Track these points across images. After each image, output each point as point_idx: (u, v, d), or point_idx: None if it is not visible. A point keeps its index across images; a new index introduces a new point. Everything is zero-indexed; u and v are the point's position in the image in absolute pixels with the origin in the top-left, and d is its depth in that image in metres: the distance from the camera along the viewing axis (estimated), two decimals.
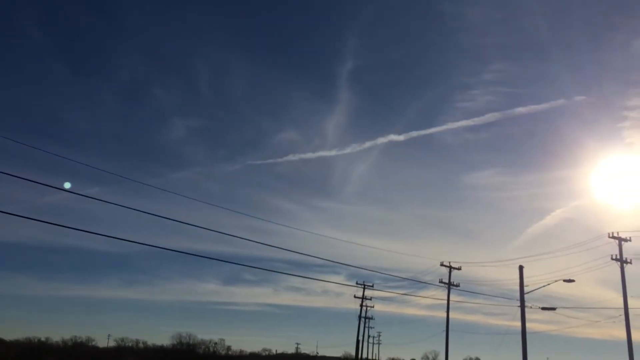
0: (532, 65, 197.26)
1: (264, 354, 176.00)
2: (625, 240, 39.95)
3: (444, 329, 48.60)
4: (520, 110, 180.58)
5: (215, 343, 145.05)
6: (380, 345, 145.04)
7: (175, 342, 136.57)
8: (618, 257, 39.53)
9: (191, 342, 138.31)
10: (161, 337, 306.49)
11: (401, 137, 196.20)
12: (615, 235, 40.11)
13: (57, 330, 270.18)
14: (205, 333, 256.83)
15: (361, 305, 69.58)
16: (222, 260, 57.78)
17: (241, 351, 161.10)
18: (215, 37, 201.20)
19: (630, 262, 39.50)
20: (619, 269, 39.24)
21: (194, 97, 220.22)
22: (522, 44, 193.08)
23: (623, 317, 38.23)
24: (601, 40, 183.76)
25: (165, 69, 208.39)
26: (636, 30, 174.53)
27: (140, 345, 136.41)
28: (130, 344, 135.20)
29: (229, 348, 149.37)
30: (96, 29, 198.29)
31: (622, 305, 38.48)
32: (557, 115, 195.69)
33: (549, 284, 37.04)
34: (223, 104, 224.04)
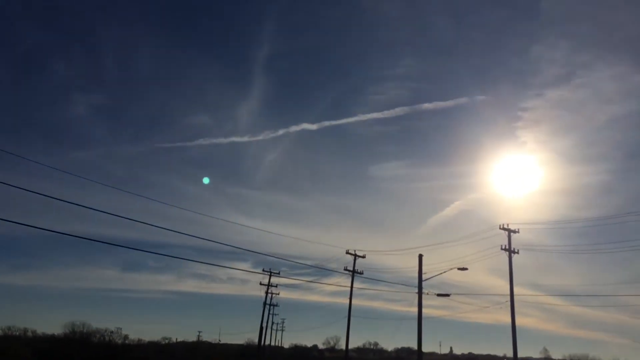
0: (439, 63, 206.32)
1: (163, 342, 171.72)
2: (514, 231, 42.95)
3: (347, 315, 49.85)
4: (427, 105, 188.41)
5: (112, 332, 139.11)
6: (284, 332, 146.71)
7: (67, 331, 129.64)
8: (507, 247, 42.48)
9: (85, 330, 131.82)
10: (53, 325, 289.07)
11: (314, 126, 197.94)
12: (506, 227, 42.98)
13: None
14: (101, 322, 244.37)
15: (267, 293, 69.76)
16: (122, 246, 55.28)
17: (139, 340, 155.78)
18: (123, 9, 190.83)
19: (518, 252, 42.59)
20: (507, 259, 42.18)
21: (97, 72, 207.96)
22: (431, 42, 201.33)
23: (509, 303, 41.15)
24: (502, 44, 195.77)
25: (66, 41, 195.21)
26: (534, 36, 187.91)
27: (29, 334, 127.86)
28: (17, 333, 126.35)
29: (126, 337, 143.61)
30: None
31: (508, 292, 41.40)
32: (460, 112, 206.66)
33: (444, 272, 39.00)
34: (129, 82, 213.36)
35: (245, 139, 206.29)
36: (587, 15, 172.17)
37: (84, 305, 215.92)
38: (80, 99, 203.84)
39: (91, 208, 22.36)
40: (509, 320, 40.68)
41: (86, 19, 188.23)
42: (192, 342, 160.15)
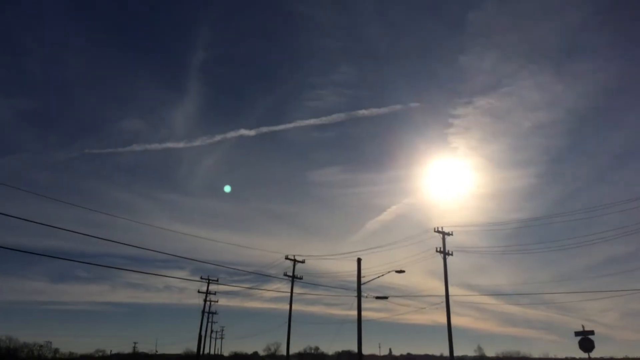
0: (374, 70, 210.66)
1: (97, 355, 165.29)
2: (448, 234, 44.31)
3: (287, 320, 49.71)
4: (363, 112, 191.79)
5: (41, 346, 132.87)
6: (223, 340, 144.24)
7: None
8: (442, 249, 43.74)
9: (11, 345, 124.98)
10: None
11: (252, 132, 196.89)
12: (440, 229, 44.26)
13: None
14: (29, 335, 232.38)
15: (205, 300, 68.55)
16: (50, 256, 52.83)
17: (70, 353, 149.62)
18: (48, 10, 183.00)
19: (452, 254, 43.93)
20: (442, 260, 43.42)
21: (22, 75, 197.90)
22: (364, 51, 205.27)
23: (444, 303, 42.32)
24: (433, 54, 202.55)
25: None
26: (462, 47, 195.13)
27: None
28: None
29: (56, 351, 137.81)
30: None
31: (444, 292, 42.58)
32: (394, 119, 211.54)
33: (382, 275, 39.65)
34: (56, 86, 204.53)
35: (181, 144, 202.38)
36: (511, 27, 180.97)
37: (10, 319, 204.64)
38: (4, 103, 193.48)
39: (19, 217, 21.24)
40: (445, 320, 41.78)
41: (9, 19, 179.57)
42: (128, 354, 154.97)
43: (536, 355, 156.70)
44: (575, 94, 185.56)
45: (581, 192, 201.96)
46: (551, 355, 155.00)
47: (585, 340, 33.64)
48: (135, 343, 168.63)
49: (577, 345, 33.94)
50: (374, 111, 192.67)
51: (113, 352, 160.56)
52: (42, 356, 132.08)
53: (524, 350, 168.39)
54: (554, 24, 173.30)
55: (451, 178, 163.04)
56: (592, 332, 33.84)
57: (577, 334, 34.26)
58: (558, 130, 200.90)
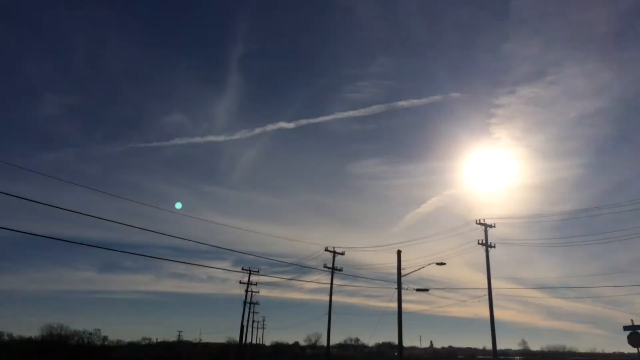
0: (414, 61, 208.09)
1: (143, 343, 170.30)
2: (490, 226, 43.59)
3: (327, 312, 50.03)
4: (403, 103, 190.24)
5: (90, 334, 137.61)
6: (265, 330, 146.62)
7: (44, 334, 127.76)
8: (484, 242, 43.09)
9: (63, 333, 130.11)
10: (29, 329, 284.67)
11: (291, 125, 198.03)
12: (482, 222, 43.59)
13: None
14: (79, 324, 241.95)
15: (246, 291, 69.67)
16: (99, 247, 54.54)
17: (118, 341, 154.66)
18: (93, 8, 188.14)
19: (494, 247, 43.23)
20: (484, 253, 42.79)
21: (69, 71, 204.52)
22: (405, 41, 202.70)
23: (487, 296, 41.73)
24: (474, 42, 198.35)
25: (37, 40, 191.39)
26: (505, 34, 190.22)
27: (5, 337, 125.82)
28: None
29: (105, 338, 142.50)
30: None
31: (486, 285, 41.98)
32: (435, 110, 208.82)
33: (423, 267, 39.41)
34: (102, 81, 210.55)
35: (222, 138, 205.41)
36: (557, 14, 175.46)
37: (61, 308, 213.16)
38: (53, 99, 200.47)
39: (67, 209, 22.11)
40: (488, 313, 41.21)
41: (57, 17, 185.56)
42: (173, 342, 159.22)
43: (582, 350, 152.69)
44: (623, 81, 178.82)
45: (629, 183, 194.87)
46: (598, 350, 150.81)
47: (635, 335, 32.63)
48: (179, 332, 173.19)
49: (625, 340, 32.96)
50: (414, 102, 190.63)
51: (159, 340, 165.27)
52: (92, 343, 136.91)
53: (570, 345, 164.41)
54: (601, 9, 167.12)
55: (493, 169, 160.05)
56: None
57: (625, 328, 33.26)
58: (605, 119, 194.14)
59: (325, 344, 52.62)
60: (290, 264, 59.13)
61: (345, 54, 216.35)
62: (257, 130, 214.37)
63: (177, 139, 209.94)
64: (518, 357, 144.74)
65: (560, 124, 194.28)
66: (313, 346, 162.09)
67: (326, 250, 50.65)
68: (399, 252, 40.76)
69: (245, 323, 68.15)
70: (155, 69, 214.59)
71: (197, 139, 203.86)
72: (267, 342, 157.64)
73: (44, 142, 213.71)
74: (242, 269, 67.69)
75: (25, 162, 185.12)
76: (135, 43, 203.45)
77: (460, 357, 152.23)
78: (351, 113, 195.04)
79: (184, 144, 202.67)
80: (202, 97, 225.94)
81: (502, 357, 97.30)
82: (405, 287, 40.08)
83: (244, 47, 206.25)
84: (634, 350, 33.14)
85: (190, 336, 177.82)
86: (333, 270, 50.04)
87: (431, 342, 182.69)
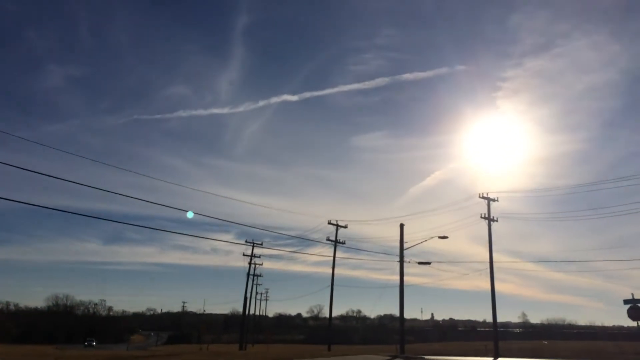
0: (419, 33, 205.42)
1: (148, 313, 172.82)
2: (494, 200, 43.47)
3: (330, 284, 50.47)
4: (408, 76, 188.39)
5: (96, 304, 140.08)
6: (268, 302, 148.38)
7: (51, 304, 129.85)
8: (487, 216, 43.08)
9: (68, 303, 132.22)
10: (36, 299, 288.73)
11: (295, 97, 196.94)
12: (485, 195, 43.49)
13: None
14: (84, 294, 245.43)
15: (250, 263, 70.17)
16: (103, 219, 54.86)
17: (123, 312, 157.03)
18: None
19: (497, 220, 43.22)
20: (486, 227, 42.81)
21: (72, 42, 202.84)
22: (410, 12, 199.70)
23: (488, 270, 41.94)
24: (481, 13, 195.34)
25: (40, 10, 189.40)
26: (512, 5, 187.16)
27: (12, 307, 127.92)
28: (0, 307, 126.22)
29: (110, 309, 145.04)
30: None
31: (488, 259, 42.13)
32: (440, 82, 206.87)
33: (425, 241, 39.59)
34: (106, 52, 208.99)
35: (226, 110, 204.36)
36: None
37: (67, 278, 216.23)
38: (56, 70, 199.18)
39: (72, 181, 22.13)
40: (489, 286, 41.43)
41: None
42: (177, 313, 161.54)
43: (582, 323, 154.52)
44: (631, 54, 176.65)
45: (634, 157, 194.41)
46: (598, 324, 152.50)
47: (635, 309, 32.87)
48: (184, 302, 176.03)
49: (625, 314, 33.22)
50: (419, 75, 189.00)
51: (163, 310, 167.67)
52: (97, 313, 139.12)
53: (570, 318, 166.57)
54: None
55: (498, 143, 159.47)
56: None
57: (626, 302, 33.47)
58: (612, 92, 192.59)
59: (327, 315, 53.26)
60: (293, 237, 59.64)
61: (351, 25, 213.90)
62: (261, 103, 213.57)
63: (180, 111, 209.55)
64: (518, 329, 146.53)
65: (567, 96, 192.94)
66: (315, 317, 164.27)
67: (329, 223, 50.82)
68: (401, 226, 40.90)
69: (248, 295, 68.94)
70: (159, 40, 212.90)
71: (201, 111, 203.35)
72: (271, 314, 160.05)
73: (48, 114, 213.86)
74: (246, 241, 68.17)
75: (29, 134, 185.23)
76: (139, 14, 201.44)
77: (460, 328, 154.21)
78: (355, 86, 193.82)
79: (187, 116, 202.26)
80: (206, 69, 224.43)
81: (502, 329, 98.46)
82: (408, 260, 40.35)
83: (248, 17, 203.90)
84: (634, 324, 33.44)
85: (194, 307, 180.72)
86: (336, 243, 50.30)
87: (432, 314, 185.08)
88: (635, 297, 33.24)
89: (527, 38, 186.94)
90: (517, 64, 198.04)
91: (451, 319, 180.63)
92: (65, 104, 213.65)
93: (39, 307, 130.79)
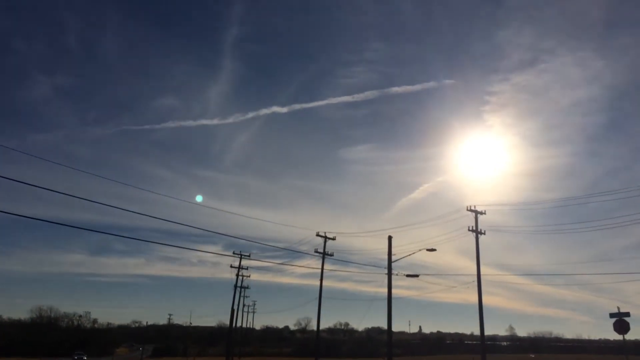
0: (407, 47, 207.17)
1: (133, 326, 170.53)
2: (481, 213, 43.64)
3: (317, 296, 50.16)
4: (396, 89, 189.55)
5: (80, 316, 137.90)
6: (255, 314, 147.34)
7: (34, 316, 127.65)
8: (474, 228, 43.21)
9: (52, 315, 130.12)
10: (19, 310, 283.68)
11: (284, 109, 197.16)
12: (473, 208, 43.64)
13: None
14: (69, 306, 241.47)
15: (237, 275, 69.71)
16: (89, 230, 54.30)
17: (108, 324, 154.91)
18: None
19: (484, 233, 43.36)
20: (474, 239, 42.91)
21: (61, 52, 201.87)
22: (399, 27, 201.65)
23: (476, 283, 42.00)
24: (468, 29, 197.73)
25: (28, 19, 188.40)
26: (499, 21, 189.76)
27: None
28: None
29: (94, 321, 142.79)
30: None
31: (475, 272, 42.19)
32: (428, 96, 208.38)
33: (413, 253, 39.54)
34: (95, 63, 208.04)
35: (215, 121, 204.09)
36: (550, 2, 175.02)
37: (51, 290, 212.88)
38: (44, 79, 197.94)
39: (58, 192, 21.88)
40: (476, 299, 41.45)
41: None
42: (163, 325, 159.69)
43: (569, 336, 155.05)
44: (615, 70, 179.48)
45: (619, 172, 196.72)
46: (584, 337, 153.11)
47: (620, 322, 33.04)
48: (170, 315, 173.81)
49: (611, 327, 33.37)
50: (407, 88, 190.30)
51: (149, 323, 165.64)
52: (82, 326, 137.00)
53: (557, 331, 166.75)
54: None
55: (485, 156, 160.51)
56: (627, 314, 33.14)
57: (612, 315, 33.64)
58: (596, 107, 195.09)
59: (315, 328, 52.92)
60: (281, 249, 59.34)
61: (340, 39, 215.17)
62: (251, 115, 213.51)
63: (169, 122, 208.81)
64: (505, 343, 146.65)
65: (552, 111, 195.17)
66: (303, 330, 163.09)
67: (317, 235, 50.63)
68: (389, 238, 40.88)
69: (235, 307, 68.39)
70: (149, 50, 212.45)
71: (190, 123, 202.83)
72: (258, 326, 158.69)
73: (35, 124, 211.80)
74: (233, 253, 67.61)
75: (16, 143, 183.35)
76: (129, 24, 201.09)
77: (448, 342, 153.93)
78: (345, 98, 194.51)
79: (176, 127, 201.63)
80: (196, 80, 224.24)
81: (489, 342, 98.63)
82: (396, 272, 40.27)
83: (238, 30, 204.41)
84: (620, 337, 33.59)
85: (180, 320, 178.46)
86: (324, 255, 50.12)
87: (420, 327, 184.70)
88: (622, 310, 33.43)
89: (513, 54, 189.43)
90: (503, 79, 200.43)
91: (439, 332, 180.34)
92: (53, 113, 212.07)
93: (22, 318, 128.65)
